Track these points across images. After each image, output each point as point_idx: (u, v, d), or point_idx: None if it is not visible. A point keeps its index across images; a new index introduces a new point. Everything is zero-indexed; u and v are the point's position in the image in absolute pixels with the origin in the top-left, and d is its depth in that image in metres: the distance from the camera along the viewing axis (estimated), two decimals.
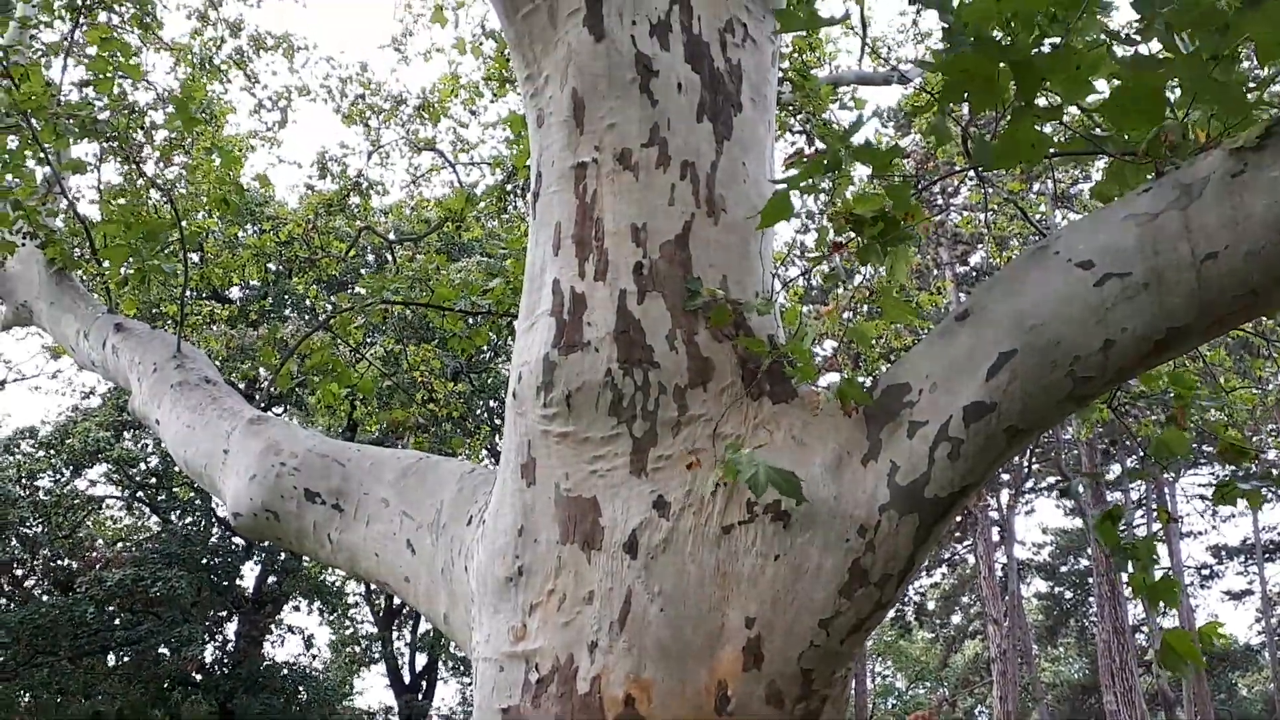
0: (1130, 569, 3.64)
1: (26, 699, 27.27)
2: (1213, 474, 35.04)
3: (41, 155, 5.73)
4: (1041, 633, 45.87)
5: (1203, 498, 37.97)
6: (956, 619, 46.35)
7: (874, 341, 11.07)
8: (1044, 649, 48.85)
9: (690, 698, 3.11)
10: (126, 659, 25.87)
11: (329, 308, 11.37)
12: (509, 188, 10.24)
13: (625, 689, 3.14)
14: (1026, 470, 29.99)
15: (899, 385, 3.06)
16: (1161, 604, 3.63)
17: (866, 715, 39.68)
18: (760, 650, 3.08)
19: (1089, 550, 27.60)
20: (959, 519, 28.87)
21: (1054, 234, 2.92)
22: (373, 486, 4.34)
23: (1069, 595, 45.40)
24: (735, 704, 3.10)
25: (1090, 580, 30.09)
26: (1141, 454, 3.65)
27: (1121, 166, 3.02)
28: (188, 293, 6.00)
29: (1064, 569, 44.39)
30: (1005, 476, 31.59)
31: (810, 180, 2.96)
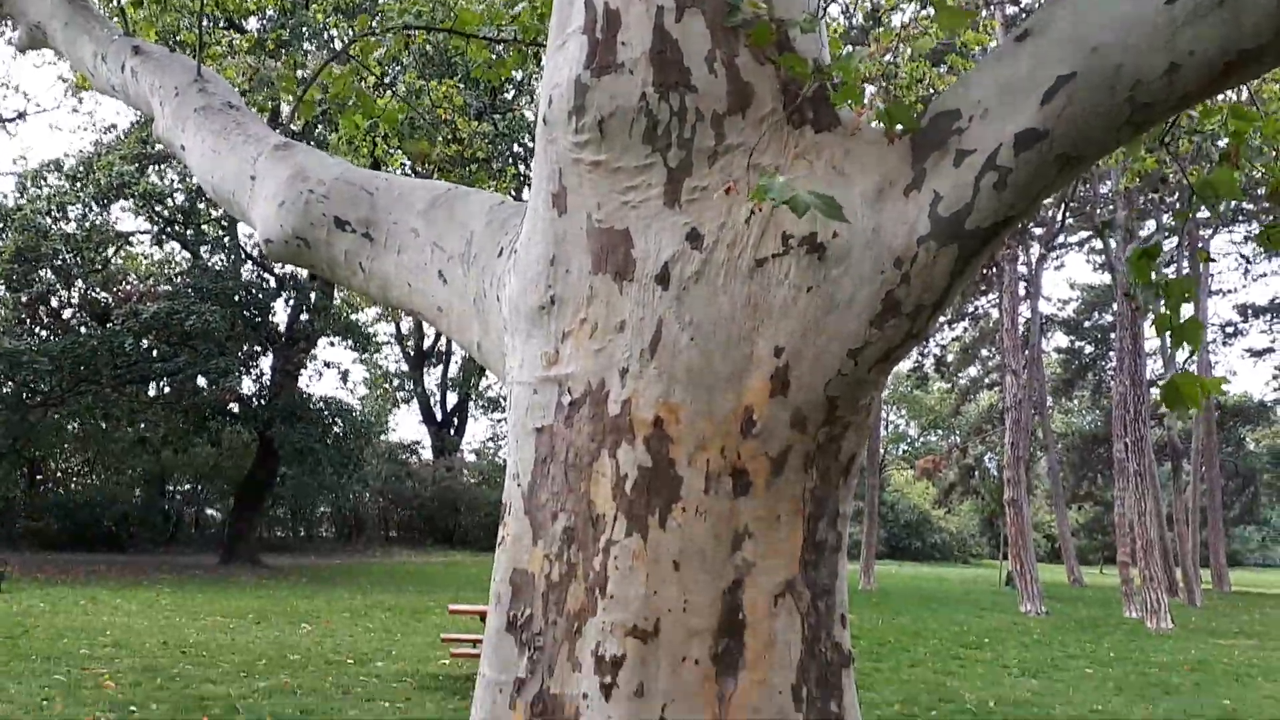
0: (1158, 308, 3.61)
1: (75, 425, 28.65)
2: (1249, 232, 34.52)
3: None
4: (1057, 385, 46.80)
5: (1242, 253, 37.58)
6: (974, 371, 47.24)
7: (914, 84, 10.66)
8: (1058, 401, 50.01)
9: (717, 421, 3.18)
10: (166, 389, 26.91)
11: (350, 34, 10.96)
12: None
13: (655, 411, 3.21)
14: (1059, 224, 29.57)
15: (948, 112, 2.94)
16: (1184, 345, 3.62)
17: (878, 460, 41.22)
18: (788, 378, 3.12)
19: (1114, 306, 27.64)
20: (985, 271, 28.83)
21: None
22: (402, 216, 4.31)
23: (1089, 350, 45.97)
24: (760, 427, 3.17)
25: (1112, 335, 30.34)
26: (1190, 194, 3.53)
27: None
28: (204, 22, 5.75)
29: (1087, 324, 44.70)
30: (1037, 231, 31.24)
31: None
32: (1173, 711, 9.75)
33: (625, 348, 3.27)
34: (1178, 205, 21.53)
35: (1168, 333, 3.57)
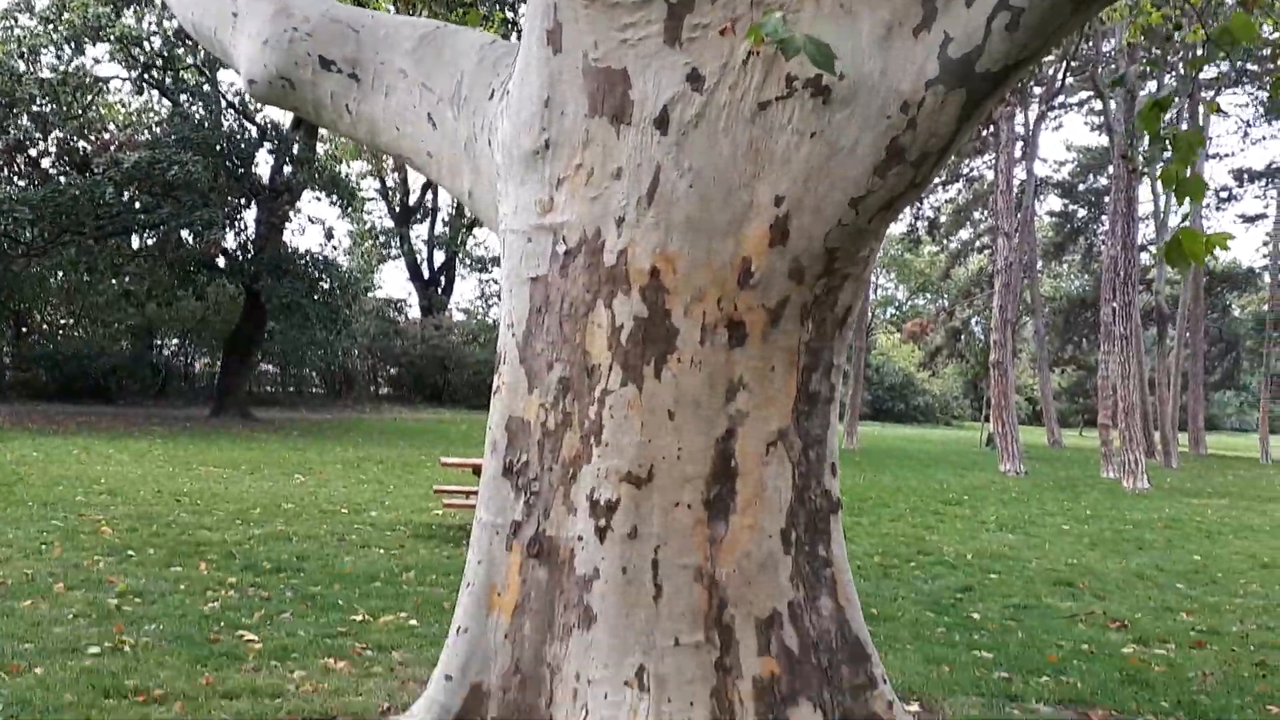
0: (1162, 163, 3.56)
1: (58, 277, 28.41)
2: (1251, 94, 33.96)
3: None
4: (1048, 249, 46.71)
5: (1242, 117, 37.00)
6: (965, 234, 46.96)
7: None
8: (1048, 265, 50.02)
9: (714, 271, 3.15)
10: (150, 241, 26.52)
11: None
12: None
13: (651, 261, 3.17)
14: (1059, 83, 28.95)
15: None
16: (1187, 199, 3.58)
17: (866, 323, 41.43)
18: (787, 227, 3.07)
19: (1110, 169, 27.34)
20: (981, 131, 28.34)
21: None
22: (389, 55, 4.16)
23: (1082, 213, 45.71)
24: (758, 278, 3.14)
25: (1106, 198, 30.14)
26: (1204, 43, 3.42)
27: None
28: None
29: (1081, 187, 44.31)
30: (1037, 90, 30.62)
31: None
32: (1145, 565, 10.05)
33: (622, 195, 3.21)
34: (1181, 68, 21.04)
35: (1172, 187, 3.52)
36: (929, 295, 67.77)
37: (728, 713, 3.11)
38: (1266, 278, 39.88)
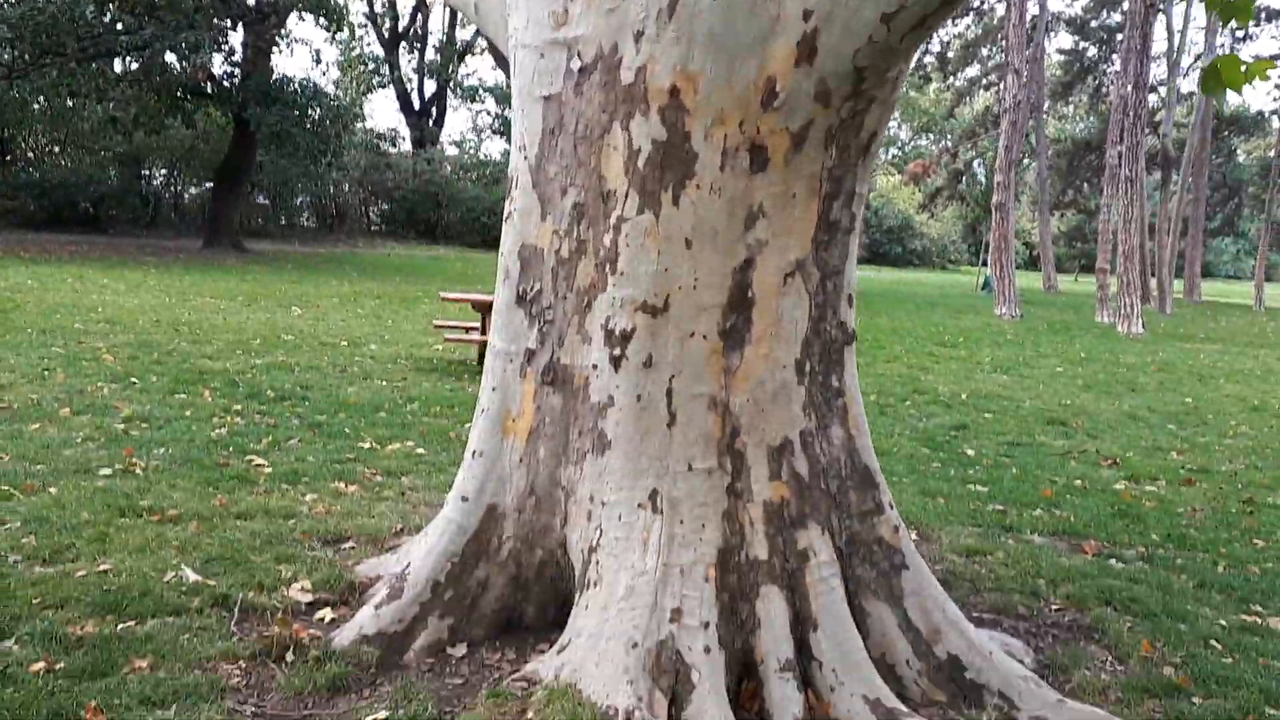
0: None
1: (41, 101, 27.55)
2: None
3: None
4: (1055, 88, 45.59)
5: None
6: (973, 71, 45.72)
7: None
8: (1054, 106, 48.92)
9: (737, 91, 3.02)
10: (134, 65, 25.68)
11: None
12: None
13: (671, 80, 3.04)
14: None
15: None
16: (1233, 21, 3.43)
17: None
18: (815, 44, 2.94)
19: (1125, 4, 26.40)
20: None
21: None
22: None
23: (1093, 52, 44.42)
24: (783, 99, 3.02)
25: (1119, 36, 29.20)
26: None
27: None
28: None
29: (1094, 24, 42.93)
30: None
31: None
32: (1137, 407, 10.19)
33: (641, 7, 3.05)
34: None
35: (1217, 9, 3.37)
36: (932, 136, 66.62)
37: (738, 535, 3.16)
38: (1275, 122, 39.12)
